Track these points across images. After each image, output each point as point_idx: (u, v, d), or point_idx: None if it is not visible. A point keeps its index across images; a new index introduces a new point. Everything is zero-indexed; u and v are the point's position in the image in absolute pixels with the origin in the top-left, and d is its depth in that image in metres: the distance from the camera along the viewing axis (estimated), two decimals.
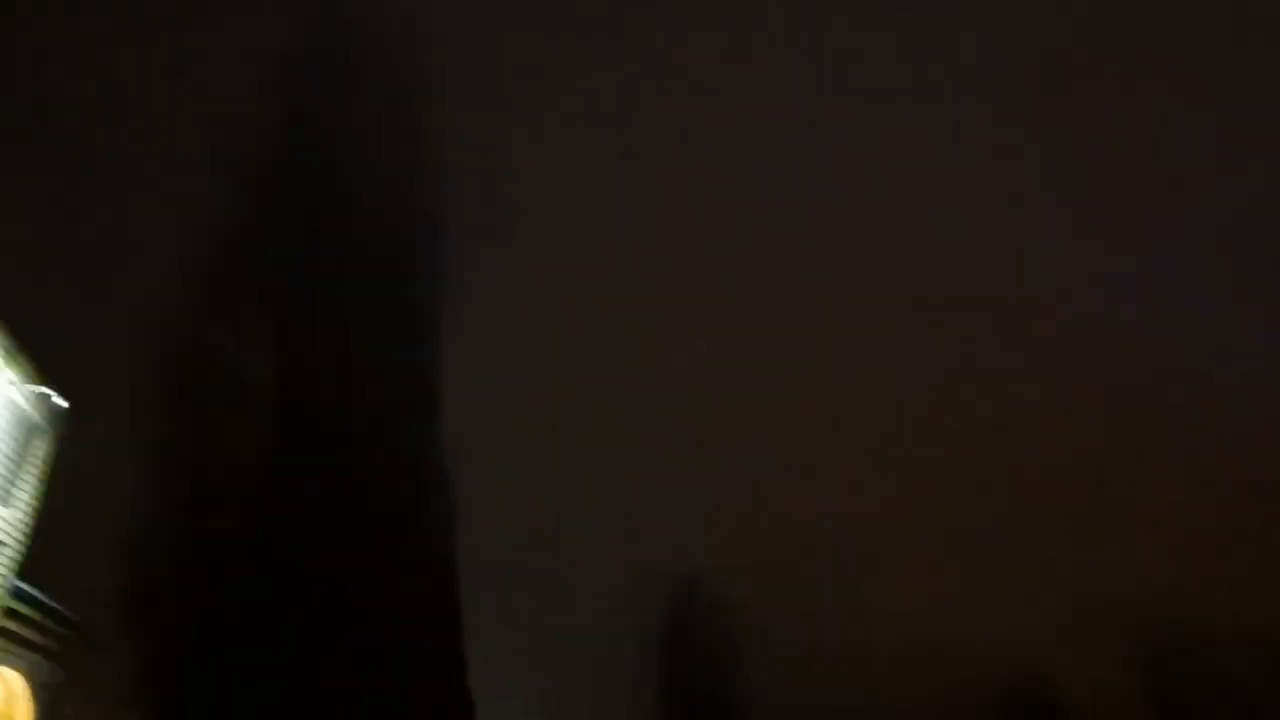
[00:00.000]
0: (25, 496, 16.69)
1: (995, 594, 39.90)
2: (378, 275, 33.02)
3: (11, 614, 16.73)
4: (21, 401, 16.08)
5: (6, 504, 16.07)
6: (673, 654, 40.82)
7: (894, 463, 45.43)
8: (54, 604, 18.64)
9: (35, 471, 16.95)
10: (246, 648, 27.00)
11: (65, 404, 17.03)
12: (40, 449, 17.09)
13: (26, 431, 16.52)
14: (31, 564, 17.04)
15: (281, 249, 32.19)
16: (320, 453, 30.50)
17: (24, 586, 17.18)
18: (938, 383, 47.54)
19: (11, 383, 15.47)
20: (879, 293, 49.29)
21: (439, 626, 30.62)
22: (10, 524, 16.21)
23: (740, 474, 44.80)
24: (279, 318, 31.18)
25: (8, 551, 16.18)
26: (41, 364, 16.29)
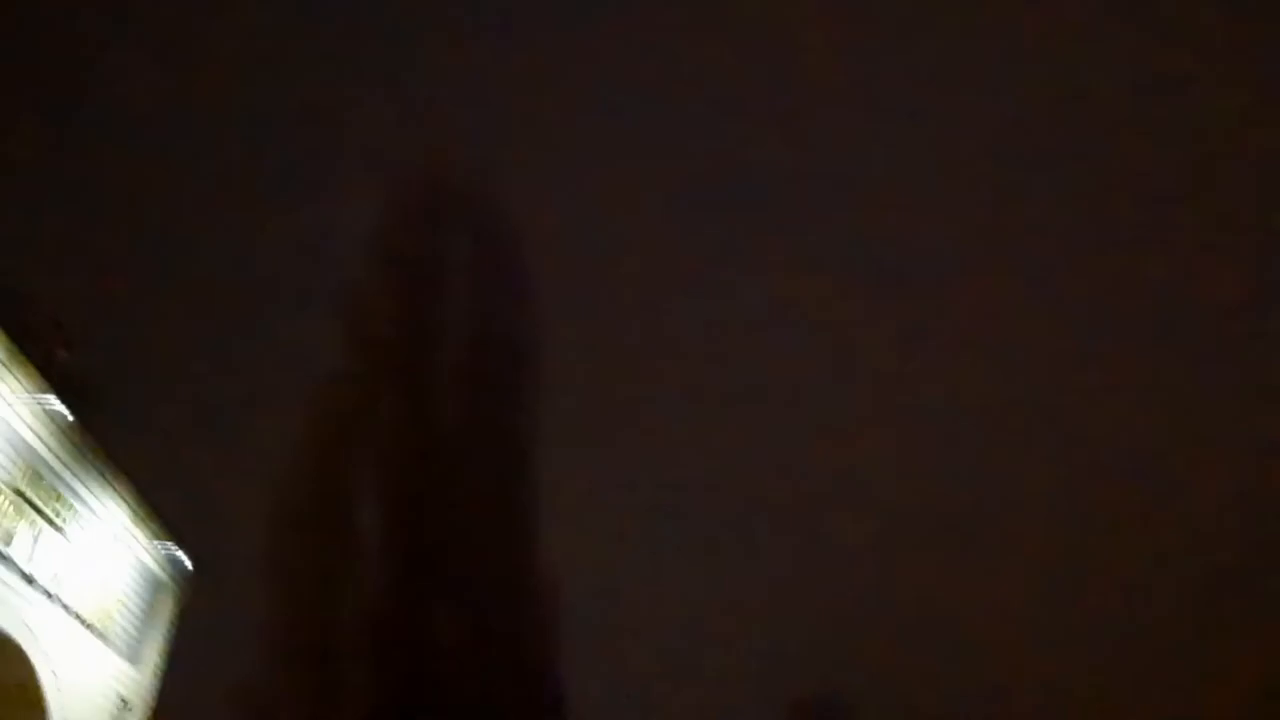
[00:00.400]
0: (153, 655, 17.32)
1: None
2: (497, 446, 34.13)
3: None
4: (150, 562, 16.97)
5: (135, 663, 16.69)
6: None
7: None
8: None
9: (162, 630, 17.65)
10: None
11: (190, 565, 17.85)
12: (167, 608, 17.85)
13: (154, 591, 17.34)
14: None
15: (400, 414, 33.79)
16: (448, 600, 30.75)
17: None
18: None
19: (140, 544, 16.39)
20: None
21: None
22: (138, 683, 16.77)
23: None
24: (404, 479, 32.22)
25: (136, 712, 16.67)
26: (168, 525, 17.26)
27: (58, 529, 13.92)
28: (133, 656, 16.59)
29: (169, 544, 17.13)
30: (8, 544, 12.75)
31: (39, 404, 13.01)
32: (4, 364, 12.46)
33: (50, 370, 13.44)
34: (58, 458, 13.83)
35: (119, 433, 15.04)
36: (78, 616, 14.62)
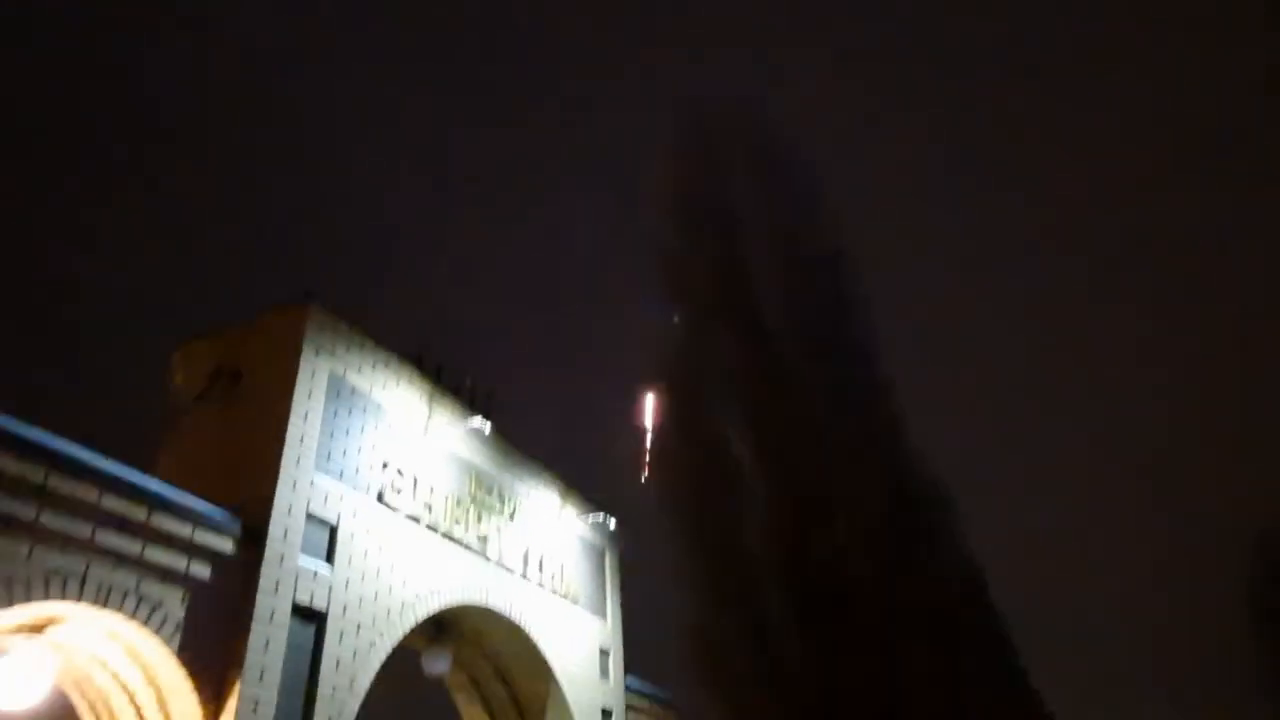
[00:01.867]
0: (613, 608, 19.65)
1: None
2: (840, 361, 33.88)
3: (632, 708, 19.55)
4: (586, 532, 19.14)
5: (602, 617, 19.04)
6: None
7: None
8: (660, 692, 21.42)
9: (613, 586, 19.93)
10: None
11: (614, 523, 19.83)
12: (611, 564, 20.10)
13: (597, 554, 19.58)
14: (630, 658, 19.88)
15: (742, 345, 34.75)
16: (837, 518, 31.43)
17: (636, 682, 20.05)
18: None
19: (575, 518, 18.51)
20: None
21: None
22: (609, 633, 19.14)
23: None
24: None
25: (617, 656, 19.09)
26: (591, 498, 19.28)
27: (511, 521, 16.16)
28: (599, 611, 18.93)
29: (596, 513, 19.17)
30: (483, 544, 15.04)
31: (468, 427, 15.09)
32: (430, 401, 14.60)
33: (463, 395, 15.48)
34: (491, 464, 16.00)
35: (520, 431, 16.98)
36: (550, 588, 16.97)
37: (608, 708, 18.11)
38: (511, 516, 16.16)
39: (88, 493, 8.70)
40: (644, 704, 20.41)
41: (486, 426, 15.30)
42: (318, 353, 12.15)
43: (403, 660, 14.66)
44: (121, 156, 63.93)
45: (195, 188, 67.32)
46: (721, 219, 36.18)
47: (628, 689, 19.36)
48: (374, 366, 13.36)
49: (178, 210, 65.34)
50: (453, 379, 15.54)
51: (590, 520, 19.12)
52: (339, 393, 12.45)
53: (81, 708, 10.04)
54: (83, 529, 8.66)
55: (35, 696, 9.15)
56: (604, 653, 18.67)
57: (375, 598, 12.03)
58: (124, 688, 9.68)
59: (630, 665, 19.81)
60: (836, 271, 34.25)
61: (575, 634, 17.63)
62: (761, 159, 37.45)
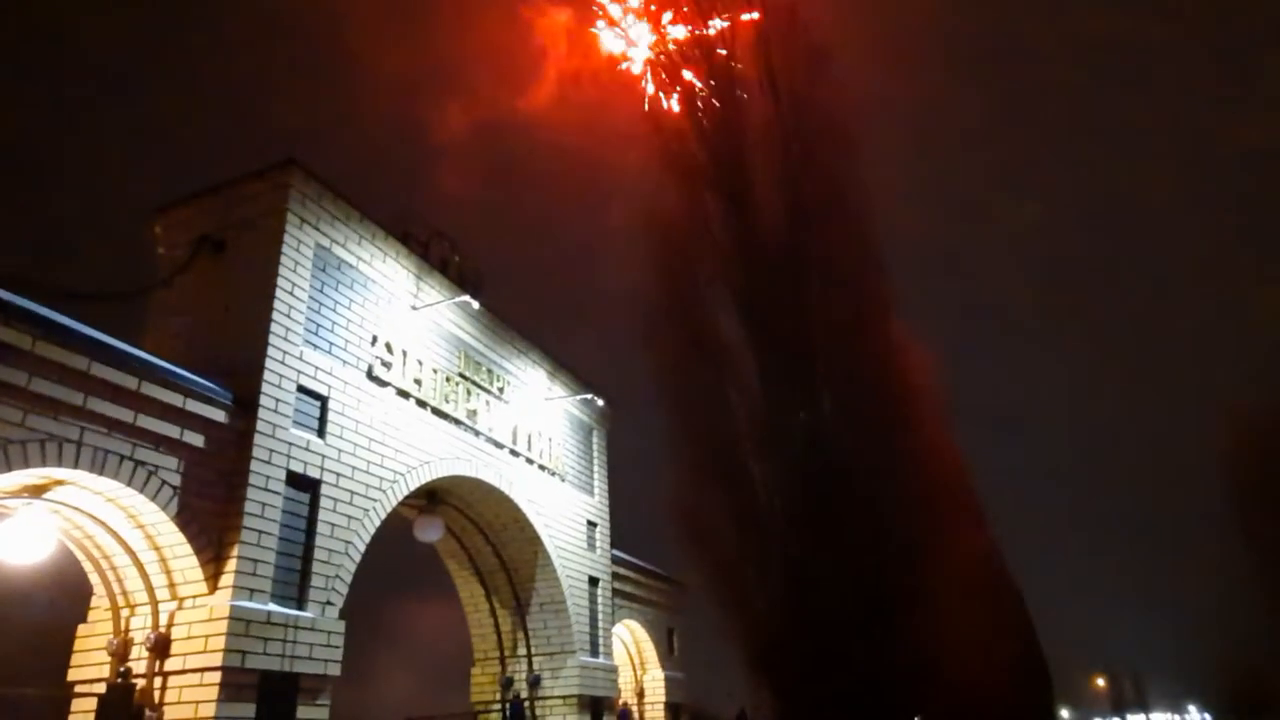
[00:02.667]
0: (599, 484, 20.22)
1: None
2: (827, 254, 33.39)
3: (619, 578, 20.45)
4: (573, 409, 19.44)
5: (589, 493, 19.62)
6: None
7: None
8: (646, 564, 22.36)
9: (599, 462, 20.44)
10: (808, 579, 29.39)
11: (603, 403, 20.11)
12: (599, 442, 20.54)
13: (584, 431, 19.97)
14: (619, 536, 20.64)
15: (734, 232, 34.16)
16: (820, 397, 31.83)
17: (622, 554, 20.89)
18: None
19: (563, 396, 18.75)
20: None
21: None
22: (596, 507, 19.77)
23: None
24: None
25: (604, 529, 19.79)
26: (578, 376, 19.47)
27: (501, 399, 16.37)
28: (586, 487, 19.49)
29: (583, 392, 19.42)
30: (472, 419, 15.28)
31: (457, 304, 15.04)
32: (419, 277, 14.48)
33: (450, 272, 15.35)
34: (481, 342, 16.06)
35: (510, 310, 16.96)
36: (538, 464, 17.39)
37: (595, 576, 18.93)
38: (501, 393, 16.36)
39: (77, 360, 8.70)
40: (631, 574, 21.33)
41: (475, 303, 15.27)
42: (303, 223, 11.93)
43: (397, 527, 15.17)
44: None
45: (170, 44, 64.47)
46: (721, 85, 35.06)
47: (614, 560, 20.18)
48: (361, 240, 13.16)
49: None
50: (441, 253, 15.38)
51: (579, 399, 19.40)
52: (326, 265, 12.30)
53: (87, 566, 10.39)
54: (74, 396, 8.71)
55: (40, 554, 9.46)
56: (592, 524, 19.35)
57: (367, 468, 12.30)
58: (126, 548, 9.99)
59: (617, 542, 20.58)
60: (835, 147, 33.54)
61: (563, 507, 18.21)
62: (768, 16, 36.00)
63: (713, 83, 35.38)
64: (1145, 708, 60.23)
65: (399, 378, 13.45)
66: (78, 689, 9.85)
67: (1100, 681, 59.09)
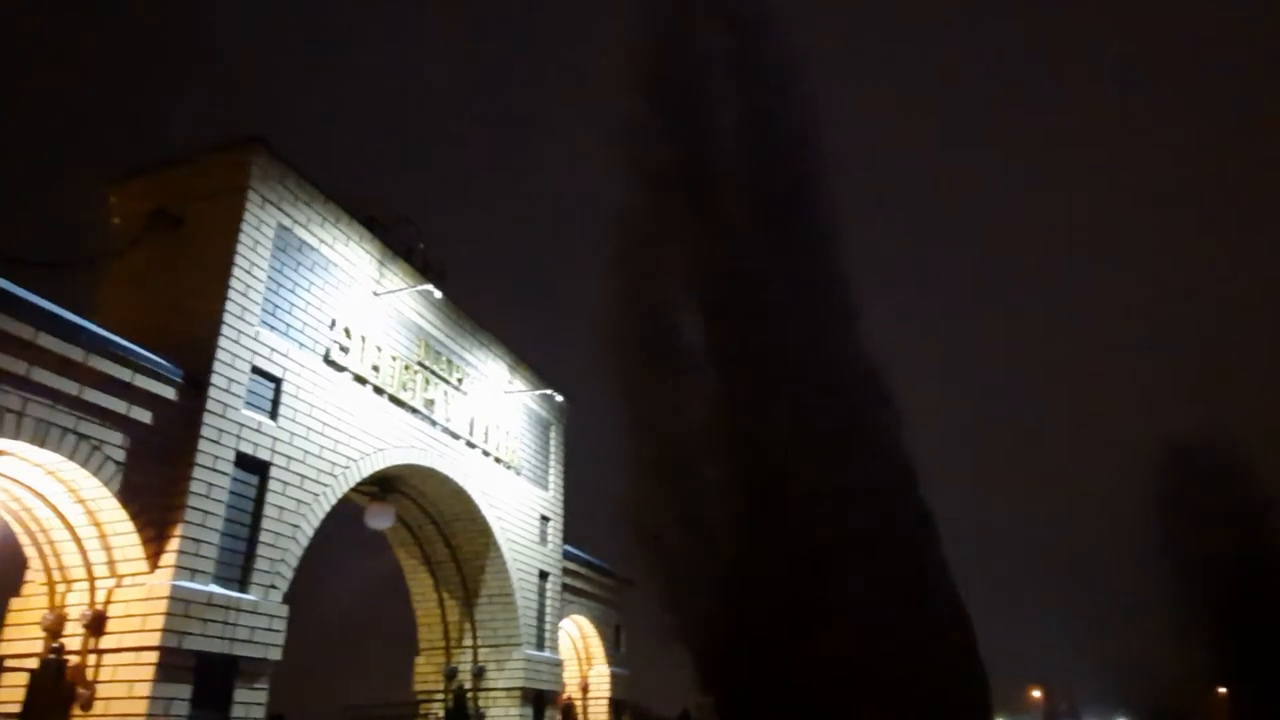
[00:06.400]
0: (555, 479, 20.23)
1: None
2: (793, 248, 33.71)
3: (569, 573, 20.49)
4: (532, 404, 19.44)
5: (544, 487, 19.63)
6: None
7: None
8: (597, 560, 22.42)
9: (556, 458, 20.45)
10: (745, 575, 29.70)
11: (562, 399, 20.13)
12: (555, 438, 20.56)
13: (542, 426, 19.97)
14: (571, 532, 20.69)
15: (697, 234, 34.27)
16: (774, 397, 32.10)
17: (573, 549, 20.94)
18: None
19: (522, 391, 18.74)
20: None
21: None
22: (550, 501, 19.79)
23: None
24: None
25: (556, 524, 19.81)
26: (538, 371, 19.47)
27: (459, 390, 16.32)
28: (540, 482, 19.49)
29: (543, 388, 19.42)
30: (430, 408, 15.21)
31: (419, 292, 14.96)
32: (381, 263, 14.38)
33: (414, 260, 15.26)
34: (442, 332, 15.99)
35: (473, 303, 16.92)
36: (494, 457, 17.37)
37: (545, 570, 18.94)
38: (460, 384, 16.30)
39: (23, 330, 8.52)
40: (581, 569, 21.39)
41: (438, 292, 15.20)
42: (265, 201, 11.77)
43: (347, 514, 15.03)
44: None
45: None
46: (689, 89, 35.23)
47: (565, 555, 20.22)
48: (324, 222, 13.03)
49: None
50: (405, 240, 15.28)
51: (539, 394, 19.39)
52: (287, 246, 12.16)
53: (24, 540, 10.16)
54: (18, 365, 8.52)
55: None
56: (545, 519, 19.36)
57: (320, 452, 12.19)
58: (66, 523, 9.79)
59: (570, 538, 20.61)
60: (802, 156, 33.92)
61: (517, 500, 18.19)
62: (736, 29, 36.29)
63: (683, 86, 35.57)
64: (1077, 718, 62.27)
65: (357, 363, 13.34)
66: (8, 663, 9.63)
67: (1036, 693, 60.66)
